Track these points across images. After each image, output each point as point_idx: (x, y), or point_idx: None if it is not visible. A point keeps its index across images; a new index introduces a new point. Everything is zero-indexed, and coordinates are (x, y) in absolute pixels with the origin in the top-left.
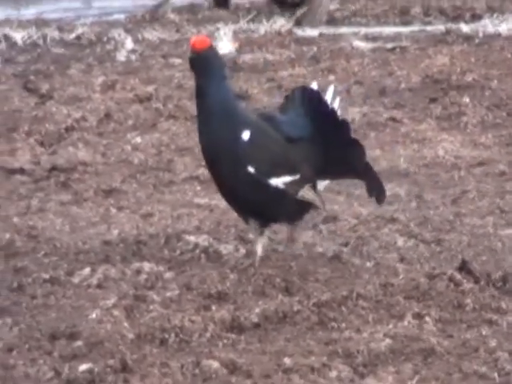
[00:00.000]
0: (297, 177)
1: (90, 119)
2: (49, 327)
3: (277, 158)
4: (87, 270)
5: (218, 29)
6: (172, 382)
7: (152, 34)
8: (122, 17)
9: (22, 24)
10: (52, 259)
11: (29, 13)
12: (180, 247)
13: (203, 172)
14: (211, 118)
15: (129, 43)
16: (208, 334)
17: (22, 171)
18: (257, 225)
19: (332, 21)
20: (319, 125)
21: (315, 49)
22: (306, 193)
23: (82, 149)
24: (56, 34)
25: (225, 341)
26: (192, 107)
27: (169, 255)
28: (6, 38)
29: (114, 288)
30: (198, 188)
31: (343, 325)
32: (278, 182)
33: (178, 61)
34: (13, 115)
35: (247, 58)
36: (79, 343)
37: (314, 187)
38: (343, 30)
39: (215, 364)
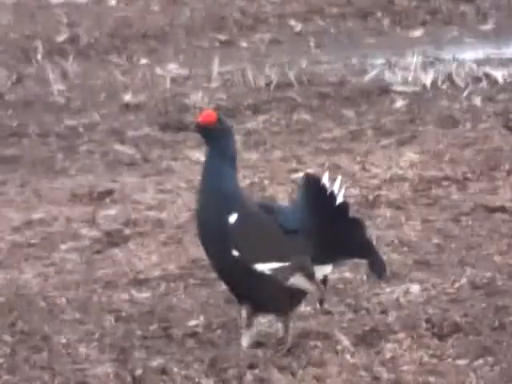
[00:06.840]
0: (286, 264)
1: None
2: None
3: (264, 243)
4: None
5: None
6: None
7: None
8: None
9: (503, 62)
10: None
11: (510, 51)
12: None
13: None
14: (206, 195)
15: None
16: None
17: (502, 209)
18: (248, 310)
19: None
20: (318, 212)
21: None
22: (297, 280)
23: None
24: None
25: None
26: None
27: None
28: (487, 76)
29: None
30: None
31: None
32: (264, 267)
33: None
34: (494, 154)
35: None
36: None
37: (311, 275)
38: None
39: None
